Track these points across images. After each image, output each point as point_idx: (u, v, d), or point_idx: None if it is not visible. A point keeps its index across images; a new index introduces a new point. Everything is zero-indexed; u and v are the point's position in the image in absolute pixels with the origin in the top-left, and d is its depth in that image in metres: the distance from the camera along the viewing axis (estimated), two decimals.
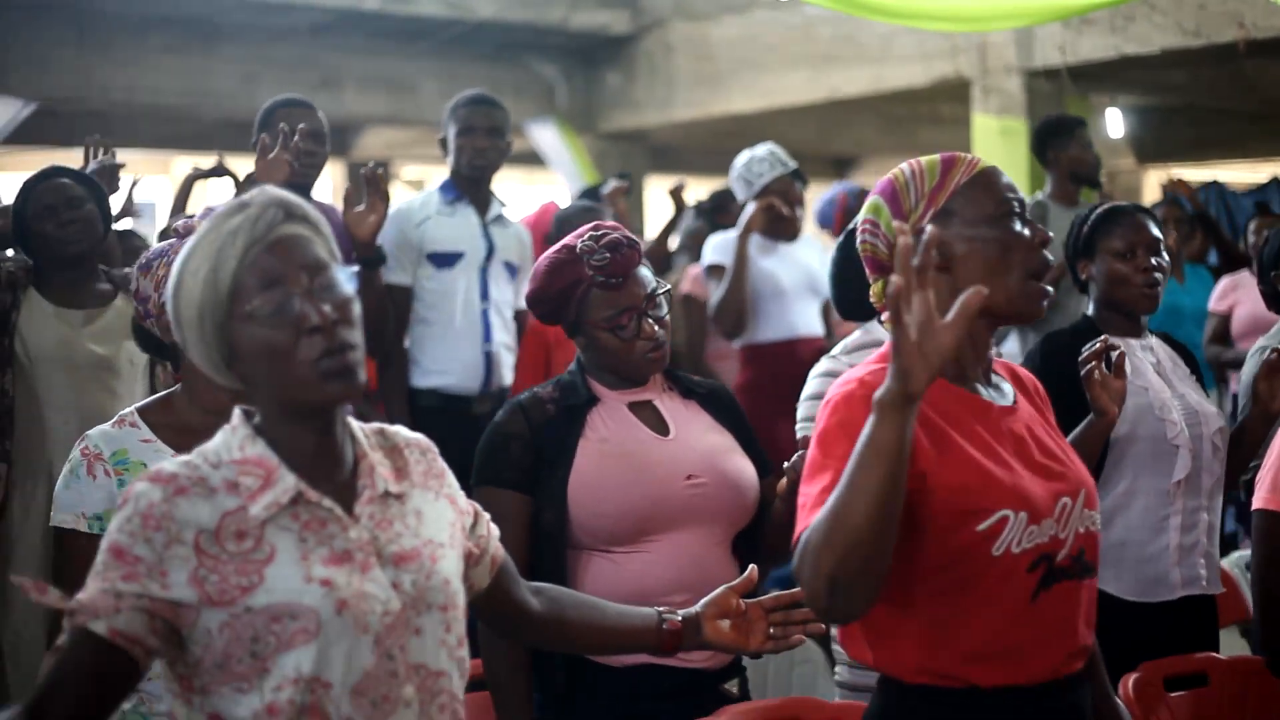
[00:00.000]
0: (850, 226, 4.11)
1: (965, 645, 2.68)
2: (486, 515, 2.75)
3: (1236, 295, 8.08)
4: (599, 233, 3.63)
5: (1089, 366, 3.94)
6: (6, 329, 5.07)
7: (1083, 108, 10.24)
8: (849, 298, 4.13)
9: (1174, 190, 8.70)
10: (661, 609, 2.99)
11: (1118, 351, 4.00)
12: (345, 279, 2.42)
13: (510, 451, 3.62)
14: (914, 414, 2.40)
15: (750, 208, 7.20)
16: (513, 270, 6.44)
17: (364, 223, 5.70)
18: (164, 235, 6.08)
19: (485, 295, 6.32)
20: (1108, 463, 4.21)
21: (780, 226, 7.24)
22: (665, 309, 3.67)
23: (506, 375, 6.34)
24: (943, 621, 2.69)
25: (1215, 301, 8.22)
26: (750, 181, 7.23)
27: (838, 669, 4.14)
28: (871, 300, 3.00)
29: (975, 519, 2.64)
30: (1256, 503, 3.89)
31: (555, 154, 13.55)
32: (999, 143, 10.06)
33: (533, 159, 14.39)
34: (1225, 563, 5.60)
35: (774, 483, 3.68)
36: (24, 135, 11.17)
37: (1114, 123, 11.26)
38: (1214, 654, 3.95)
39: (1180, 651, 4.00)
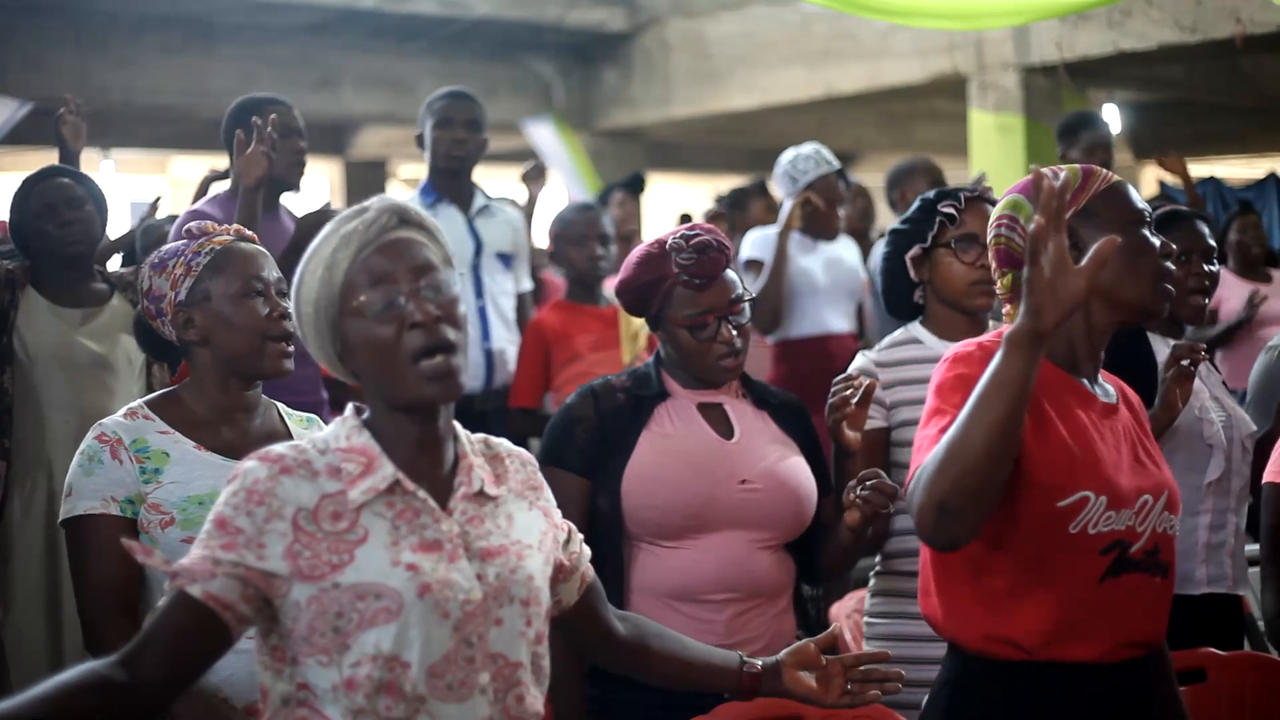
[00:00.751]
0: (894, 225, 4.14)
1: (1030, 618, 2.80)
2: (580, 535, 2.82)
3: (1219, 293, 8.07)
4: (691, 232, 3.65)
5: (1179, 366, 4.05)
6: (5, 327, 5.08)
7: (1079, 103, 10.24)
8: (896, 292, 4.14)
9: (1171, 167, 8.68)
10: (743, 654, 3.02)
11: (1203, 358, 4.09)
12: (454, 282, 2.54)
13: (575, 435, 3.67)
14: (1040, 353, 2.53)
15: (787, 204, 7.20)
16: (506, 260, 6.45)
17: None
18: (149, 232, 6.10)
19: (480, 293, 6.33)
20: None
21: (819, 224, 7.24)
22: (748, 316, 3.69)
23: (508, 371, 6.34)
24: (1011, 591, 2.81)
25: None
26: (795, 178, 7.22)
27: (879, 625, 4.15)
28: (998, 294, 3.09)
29: (1058, 494, 2.76)
30: (1268, 476, 4.04)
31: (552, 152, 13.54)
32: (996, 139, 10.07)
33: (530, 157, 14.39)
34: None
35: (833, 503, 3.72)
36: (21, 135, 11.15)
37: (1111, 118, 11.27)
38: (1212, 649, 3.95)
39: (1204, 646, 4.02)
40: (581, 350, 6.19)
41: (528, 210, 7.96)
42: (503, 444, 2.70)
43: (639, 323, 6.43)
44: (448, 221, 6.32)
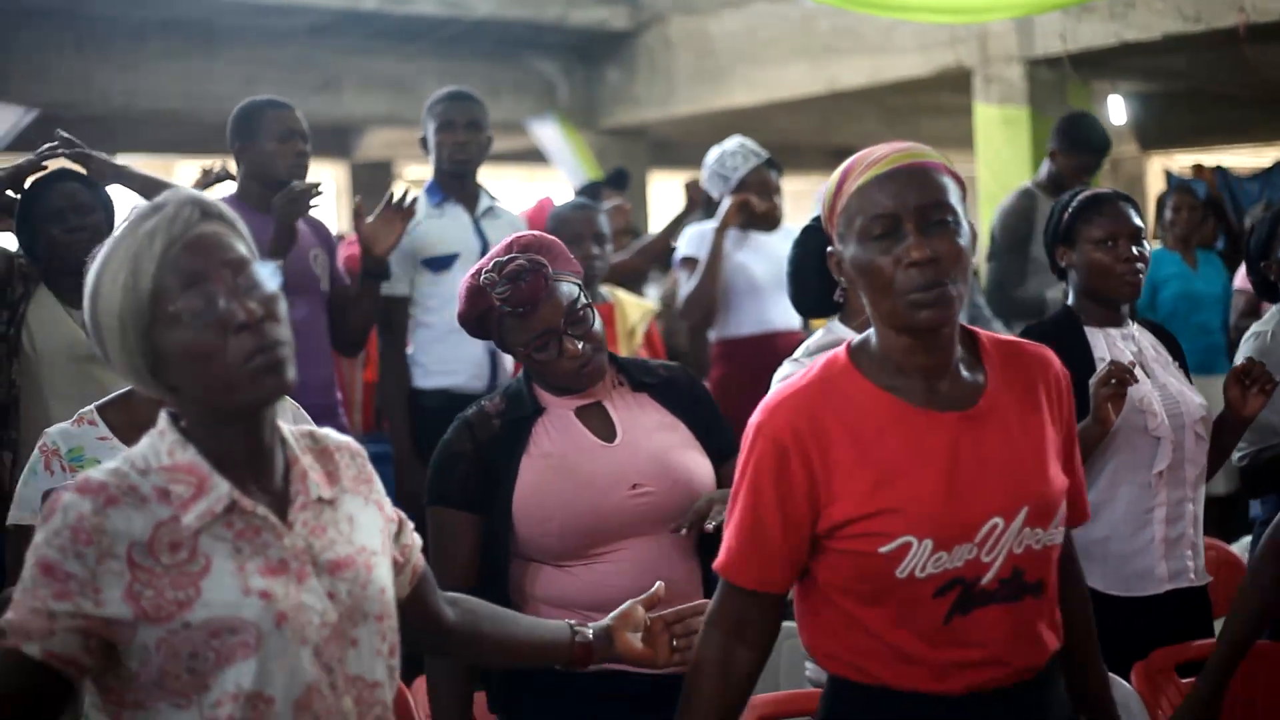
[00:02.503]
0: (808, 224, 4.06)
1: (884, 651, 2.67)
2: (410, 524, 2.67)
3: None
4: (504, 259, 3.53)
5: (1110, 385, 3.90)
6: (15, 320, 5.09)
7: (1084, 95, 10.23)
8: (809, 296, 4.08)
9: (1201, 176, 8.64)
10: (574, 622, 2.95)
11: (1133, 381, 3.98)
12: (268, 275, 2.34)
13: (457, 471, 3.56)
14: None
15: (726, 202, 7.16)
16: None
17: (383, 239, 5.80)
18: None
19: None
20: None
21: (756, 218, 7.20)
22: (591, 320, 3.58)
23: (511, 371, 6.33)
24: (865, 626, 2.68)
25: (1242, 280, 8.12)
26: (725, 176, 7.17)
27: (807, 666, 4.11)
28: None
29: (878, 541, 2.61)
30: None
31: (556, 151, 13.55)
32: (1001, 132, 10.05)
33: (534, 156, 14.38)
34: (1235, 548, 5.59)
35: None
36: (25, 142, 11.16)
37: (1116, 110, 11.25)
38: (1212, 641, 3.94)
39: (1170, 644, 3.99)
40: None
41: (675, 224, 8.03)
42: (330, 436, 2.53)
43: (634, 319, 6.42)
44: (454, 221, 6.31)
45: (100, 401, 3.43)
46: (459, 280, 6.20)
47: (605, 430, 3.60)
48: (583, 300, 3.58)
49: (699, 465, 3.62)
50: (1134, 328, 4.34)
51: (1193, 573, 4.22)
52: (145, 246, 2.28)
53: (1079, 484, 2.88)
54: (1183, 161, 14.46)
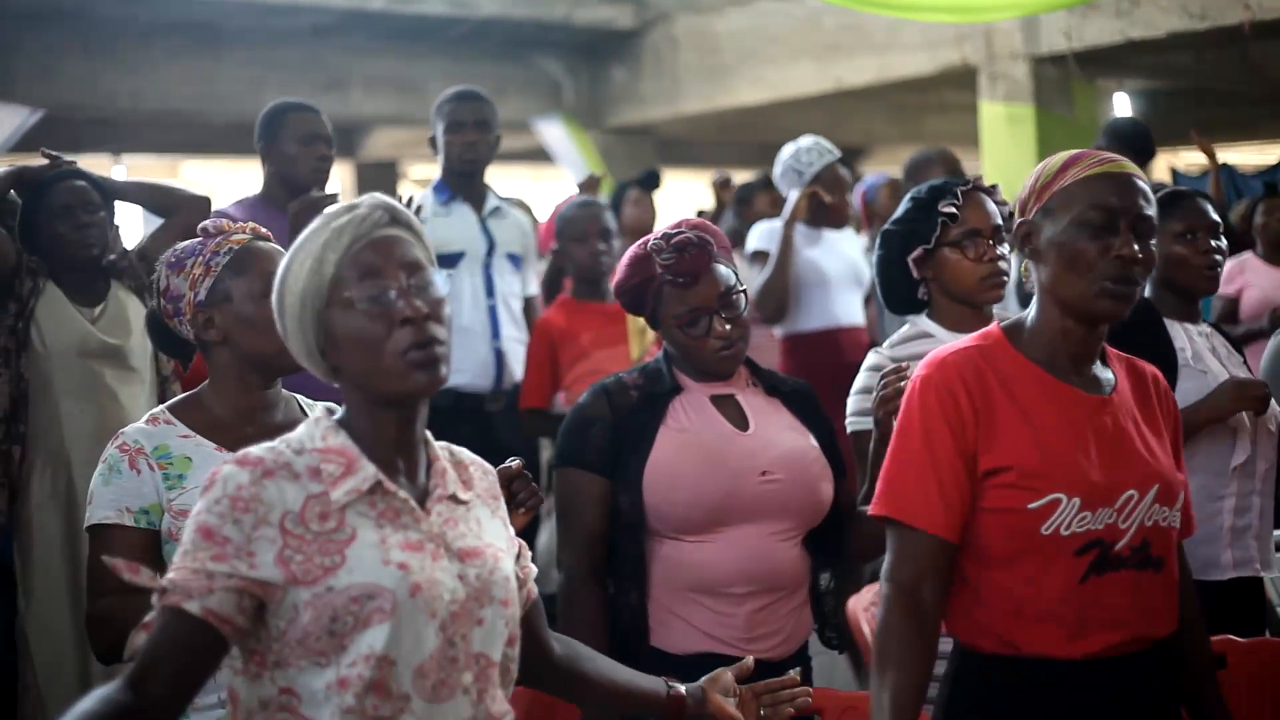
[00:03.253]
0: (887, 225, 4.13)
1: (1015, 615, 2.81)
2: (529, 553, 2.80)
3: (1244, 278, 8.00)
4: (673, 231, 3.66)
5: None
6: (23, 315, 5.11)
7: (1089, 93, 10.23)
8: (895, 293, 4.14)
9: (1201, 146, 8.62)
10: (669, 680, 3.04)
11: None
12: (441, 282, 2.52)
13: (591, 435, 3.67)
14: None
15: (794, 196, 7.19)
16: (516, 261, 6.44)
17: None
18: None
19: (491, 291, 6.31)
20: None
21: (826, 215, 7.23)
22: (742, 307, 3.68)
23: (517, 370, 6.33)
24: (999, 591, 2.83)
25: (1223, 284, 8.12)
26: (800, 172, 7.20)
27: None
28: (1022, 274, 3.09)
29: (1028, 497, 2.77)
30: None
31: (563, 150, 13.55)
32: (1006, 130, 10.05)
33: (540, 156, 14.39)
34: None
35: (848, 486, 3.75)
36: (31, 143, 11.18)
37: (1122, 107, 11.24)
38: (1231, 636, 3.95)
39: (1231, 632, 4.01)
40: (588, 348, 6.15)
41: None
42: (464, 452, 2.70)
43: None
44: (461, 219, 6.33)
45: (169, 403, 3.44)
46: (465, 279, 6.26)
47: (738, 420, 3.71)
48: (739, 287, 3.69)
49: (824, 467, 3.74)
50: (1206, 326, 4.43)
51: (1257, 563, 4.28)
52: (334, 239, 2.49)
53: (1188, 497, 3.02)
54: (1188, 159, 14.45)
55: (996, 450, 2.82)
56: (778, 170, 7.36)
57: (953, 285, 3.97)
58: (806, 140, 7.27)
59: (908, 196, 4.12)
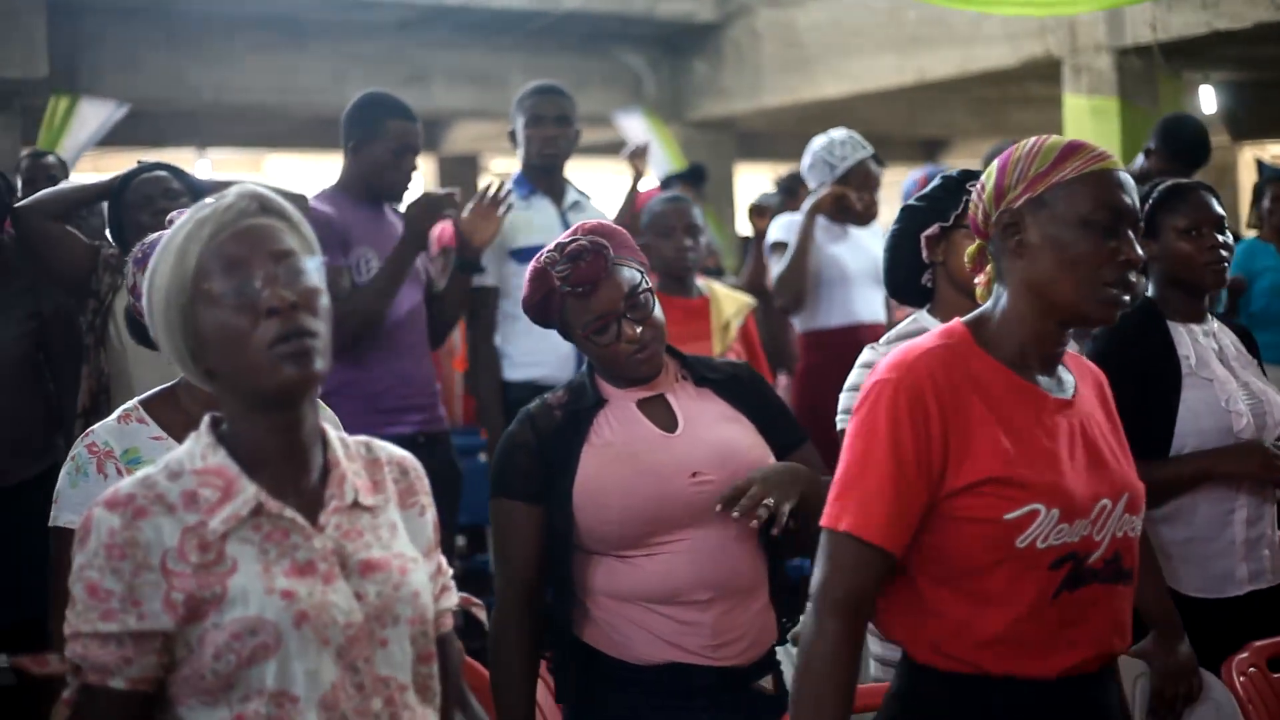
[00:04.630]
0: (907, 204, 4.03)
1: (981, 632, 2.68)
2: (447, 568, 2.66)
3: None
4: (566, 241, 3.58)
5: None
6: (101, 311, 5.16)
7: (1175, 85, 10.13)
8: (899, 277, 4.05)
9: None
10: None
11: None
12: (314, 269, 2.39)
13: (518, 462, 3.60)
14: None
15: (823, 190, 7.14)
16: None
17: (482, 231, 5.91)
18: None
19: None
20: (1171, 456, 4.14)
21: (853, 213, 7.18)
22: (651, 307, 3.61)
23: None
24: (962, 606, 2.70)
25: None
26: (832, 165, 7.14)
27: (873, 646, 4.09)
28: (965, 260, 3.00)
29: (1005, 507, 2.65)
30: None
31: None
32: (1090, 122, 9.96)
33: (621, 149, 14.38)
34: None
35: (808, 455, 3.65)
36: (116, 137, 11.28)
37: (1207, 99, 11.14)
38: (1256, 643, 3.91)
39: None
40: (672, 344, 6.14)
41: (630, 194, 7.91)
42: (384, 449, 2.58)
43: (730, 313, 6.42)
44: (541, 213, 6.35)
45: (144, 396, 3.40)
46: None
47: (667, 421, 3.62)
48: (644, 286, 3.61)
49: (761, 456, 3.61)
50: (1214, 324, 4.31)
51: (1270, 573, 4.19)
52: (196, 230, 2.38)
53: None
54: (1275, 151, 14.31)
55: (971, 462, 2.67)
56: (806, 160, 7.29)
57: (959, 272, 3.79)
58: (840, 133, 7.21)
59: (939, 175, 4.00)
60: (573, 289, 3.55)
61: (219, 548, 2.31)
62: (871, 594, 2.71)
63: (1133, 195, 2.80)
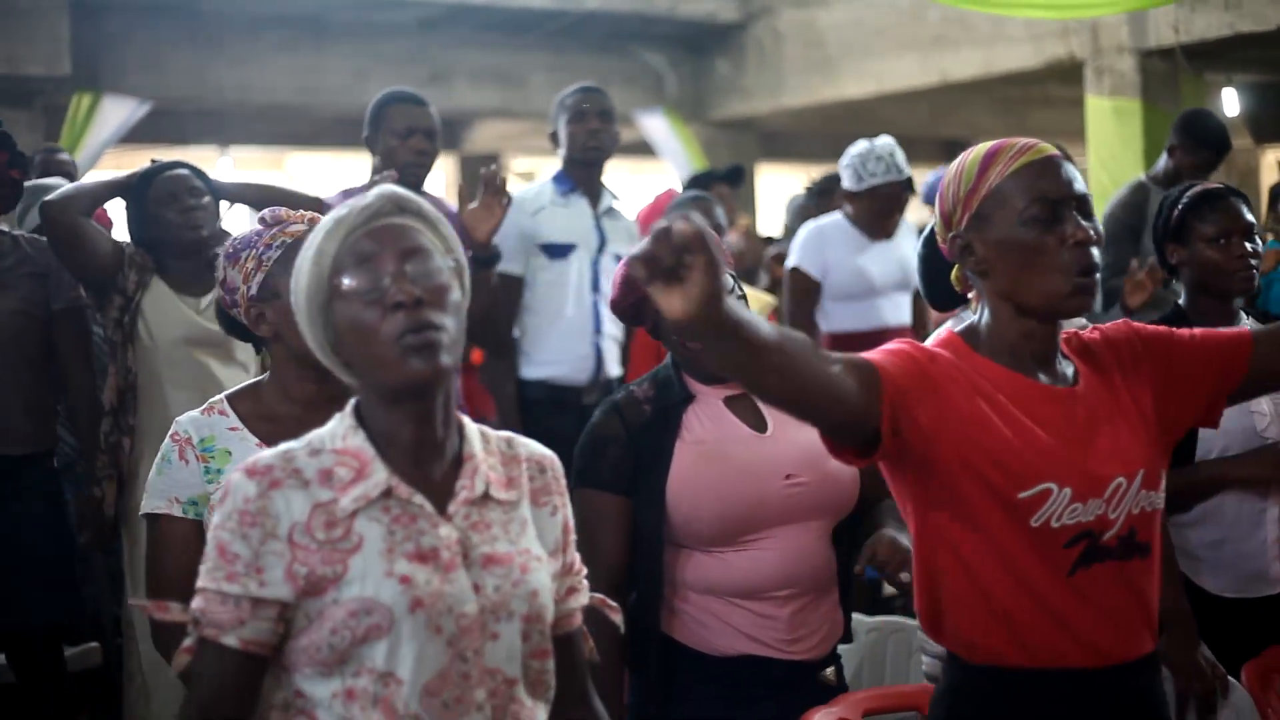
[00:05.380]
0: (931, 222, 4.05)
1: (1007, 618, 2.72)
2: (582, 570, 2.69)
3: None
4: None
5: None
6: (129, 308, 5.17)
7: (1197, 87, 10.11)
8: (938, 289, 4.07)
9: None
10: None
11: None
12: (447, 270, 2.46)
13: (608, 455, 3.63)
14: None
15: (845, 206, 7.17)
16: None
17: (482, 222, 5.74)
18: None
19: (596, 287, 6.32)
20: (1198, 458, 4.14)
21: (878, 227, 7.17)
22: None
23: (613, 367, 6.35)
24: (983, 594, 2.72)
25: None
26: (861, 176, 7.10)
27: (924, 660, 4.11)
28: (954, 284, 3.04)
29: (1017, 486, 2.68)
30: None
31: (665, 143, 13.55)
32: (1113, 124, 9.94)
33: (643, 149, 14.39)
34: None
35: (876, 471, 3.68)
36: (139, 134, 11.30)
37: (1230, 102, 11.11)
38: None
39: None
40: None
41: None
42: (526, 446, 2.62)
43: (755, 309, 6.42)
44: (578, 212, 6.36)
45: (230, 391, 3.45)
46: (573, 272, 6.27)
47: (755, 420, 3.66)
48: (738, 292, 3.62)
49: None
50: (1248, 321, 4.29)
51: None
52: (334, 230, 2.46)
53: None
54: None
55: (972, 442, 2.70)
56: (844, 160, 7.26)
57: None
58: (884, 148, 7.10)
59: None
60: None
61: (347, 525, 2.39)
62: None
63: (1066, 173, 2.77)
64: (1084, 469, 2.71)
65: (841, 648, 3.78)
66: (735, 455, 3.59)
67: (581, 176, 6.43)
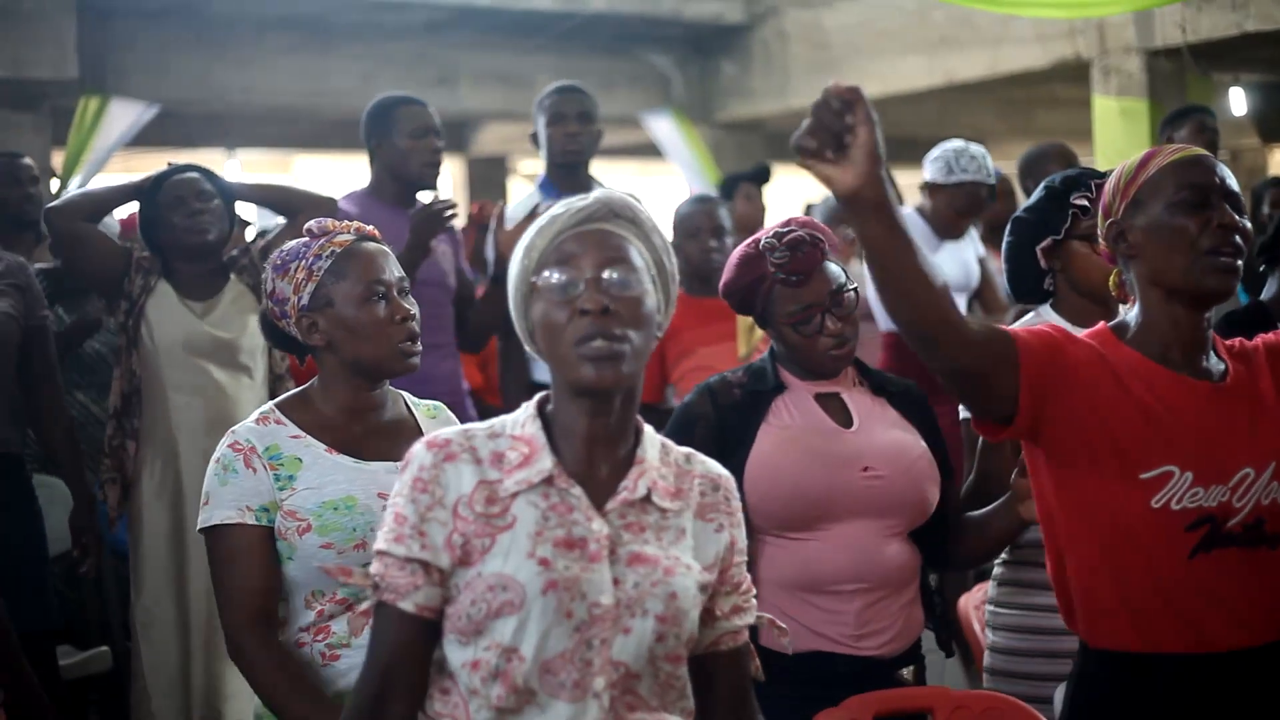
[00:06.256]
0: (1019, 212, 4.09)
1: (1127, 600, 2.80)
2: (751, 592, 2.70)
3: None
4: (784, 229, 3.66)
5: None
6: (133, 312, 5.19)
7: (1205, 87, 10.10)
8: (1023, 281, 4.11)
9: None
10: None
11: None
12: (645, 283, 2.52)
13: (695, 433, 3.66)
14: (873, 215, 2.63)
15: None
16: None
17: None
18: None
19: None
20: None
21: (952, 228, 7.21)
22: (853, 305, 3.70)
23: None
24: (1107, 576, 2.82)
25: None
26: (952, 169, 7.12)
27: (987, 657, 4.11)
28: (1110, 288, 3.13)
29: (1140, 467, 2.78)
30: None
31: (672, 145, 13.53)
32: (1119, 124, 9.93)
33: (649, 151, 14.39)
34: None
35: (955, 488, 3.71)
36: (145, 138, 11.30)
37: (1237, 101, 11.10)
38: None
39: None
40: (696, 344, 6.15)
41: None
42: (704, 464, 2.67)
43: None
44: None
45: (278, 400, 3.47)
46: None
47: (843, 418, 3.72)
48: (849, 285, 3.71)
49: (931, 465, 3.74)
50: None
51: None
52: (547, 226, 2.56)
53: None
54: None
55: (1101, 424, 2.81)
56: (934, 154, 7.27)
57: (1080, 279, 3.93)
58: (979, 149, 7.18)
59: (1041, 185, 4.07)
60: (786, 277, 3.65)
61: (506, 504, 2.49)
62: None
63: (1220, 172, 2.93)
64: (1209, 456, 2.80)
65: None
66: (817, 444, 3.65)
67: (564, 179, 6.42)
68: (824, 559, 3.61)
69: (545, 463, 2.50)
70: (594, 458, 2.54)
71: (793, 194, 16.87)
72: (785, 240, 3.63)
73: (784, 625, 2.85)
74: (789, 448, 3.64)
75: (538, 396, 2.61)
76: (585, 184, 6.45)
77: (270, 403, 3.48)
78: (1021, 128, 15.29)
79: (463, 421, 5.87)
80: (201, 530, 3.36)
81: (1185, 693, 2.80)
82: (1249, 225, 2.91)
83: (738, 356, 5.97)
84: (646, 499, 2.54)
